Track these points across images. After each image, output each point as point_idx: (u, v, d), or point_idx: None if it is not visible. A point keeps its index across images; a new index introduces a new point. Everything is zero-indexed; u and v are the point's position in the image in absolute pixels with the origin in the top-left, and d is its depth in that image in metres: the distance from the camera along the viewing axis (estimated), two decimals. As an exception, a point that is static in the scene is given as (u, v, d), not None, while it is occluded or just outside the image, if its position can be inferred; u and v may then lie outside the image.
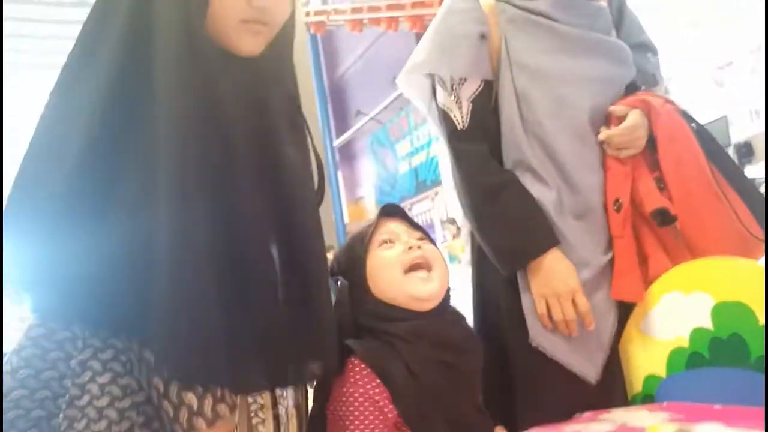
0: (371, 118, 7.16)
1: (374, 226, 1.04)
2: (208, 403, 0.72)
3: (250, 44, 0.86)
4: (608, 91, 1.33)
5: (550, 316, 1.21)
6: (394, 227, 1.05)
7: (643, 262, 1.25)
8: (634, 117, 1.27)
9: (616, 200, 1.26)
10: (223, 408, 0.74)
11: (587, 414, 1.12)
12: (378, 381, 0.90)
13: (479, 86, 1.33)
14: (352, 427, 0.88)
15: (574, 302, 1.20)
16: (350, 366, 0.92)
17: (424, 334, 0.95)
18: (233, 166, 0.83)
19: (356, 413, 0.88)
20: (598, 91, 1.31)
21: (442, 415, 0.90)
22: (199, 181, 0.77)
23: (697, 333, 1.10)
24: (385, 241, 1.02)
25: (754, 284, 1.03)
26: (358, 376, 0.90)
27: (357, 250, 1.02)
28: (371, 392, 0.89)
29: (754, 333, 1.02)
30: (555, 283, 1.20)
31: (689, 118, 1.32)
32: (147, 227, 0.73)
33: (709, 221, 1.21)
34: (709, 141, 1.29)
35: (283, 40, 0.93)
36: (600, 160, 1.30)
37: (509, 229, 1.27)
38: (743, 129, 3.42)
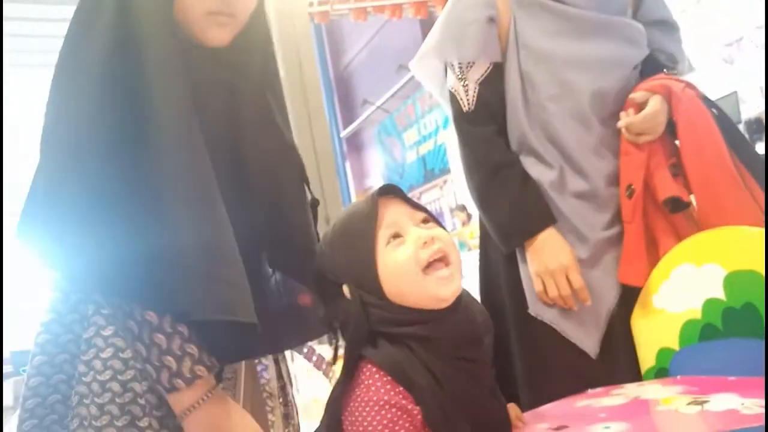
0: (378, 108, 7.13)
1: (374, 219, 0.89)
2: (187, 365, 0.77)
3: (216, 36, 0.87)
4: (615, 73, 1.32)
5: (547, 294, 1.26)
6: (396, 215, 0.89)
7: (654, 246, 1.26)
8: (655, 103, 1.27)
9: (629, 186, 1.27)
10: (201, 369, 0.79)
11: (599, 389, 1.11)
12: (400, 387, 0.82)
13: (488, 69, 1.36)
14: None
15: (568, 279, 1.24)
16: (368, 374, 0.84)
17: (444, 334, 0.87)
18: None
19: (385, 421, 0.80)
20: (604, 74, 1.32)
21: (463, 414, 0.86)
22: (186, 167, 0.81)
23: (710, 304, 1.09)
24: (393, 236, 0.88)
25: (765, 252, 1.02)
26: (379, 383, 0.82)
27: (360, 251, 0.87)
28: (396, 397, 0.81)
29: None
30: (548, 260, 1.25)
31: (710, 104, 1.31)
32: (145, 213, 0.78)
33: (729, 208, 1.20)
34: (729, 127, 1.29)
35: (252, 31, 0.93)
36: (605, 144, 1.31)
37: (507, 208, 1.31)
38: (754, 105, 3.38)
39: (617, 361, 1.24)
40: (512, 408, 0.98)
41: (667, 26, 1.44)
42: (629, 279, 1.25)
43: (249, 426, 0.84)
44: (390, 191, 0.91)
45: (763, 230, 1.06)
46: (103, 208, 0.77)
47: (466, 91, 1.37)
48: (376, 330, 0.85)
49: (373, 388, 0.82)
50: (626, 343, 1.24)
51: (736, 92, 3.26)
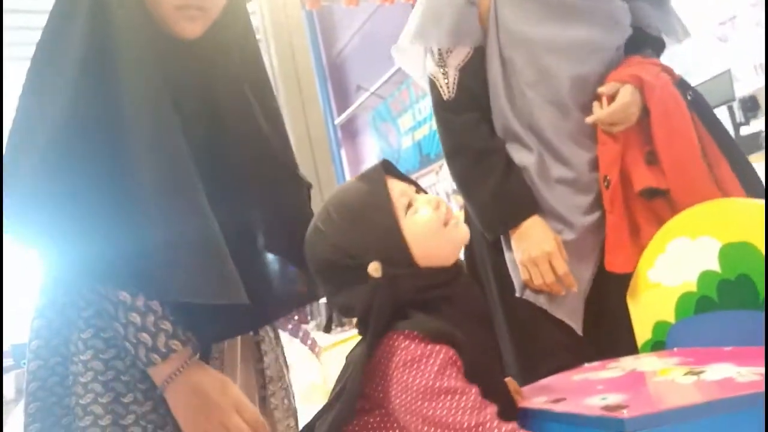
0: (372, 93, 7.10)
1: (388, 192, 0.90)
2: (161, 340, 0.82)
3: (187, 29, 0.89)
4: (595, 58, 1.31)
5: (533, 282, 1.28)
6: (400, 187, 0.92)
7: (637, 232, 1.28)
8: (625, 94, 1.26)
9: (605, 177, 1.28)
10: (175, 343, 0.84)
11: (596, 363, 1.12)
12: (440, 344, 0.81)
13: (468, 54, 1.34)
14: (439, 381, 0.78)
15: (552, 265, 1.25)
16: (401, 338, 0.82)
17: (462, 291, 0.91)
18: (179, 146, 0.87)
19: (436, 368, 0.79)
20: (584, 59, 1.30)
21: (487, 370, 0.86)
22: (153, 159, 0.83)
23: (705, 276, 1.09)
24: (408, 205, 0.90)
25: (759, 223, 1.02)
26: (415, 343, 0.81)
27: (384, 222, 0.87)
28: (443, 349, 0.81)
29: (762, 272, 1.01)
30: (531, 248, 1.26)
31: (685, 88, 1.30)
32: (126, 203, 0.81)
33: (701, 196, 1.20)
34: (705, 111, 1.29)
35: (227, 24, 0.94)
36: (585, 129, 1.31)
37: (490, 197, 1.32)
38: (748, 83, 3.38)
39: (610, 337, 1.26)
40: (510, 382, 0.99)
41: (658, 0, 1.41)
42: (615, 267, 1.27)
43: (228, 388, 0.86)
44: (390, 168, 0.94)
45: (756, 201, 1.07)
46: (83, 202, 0.80)
47: (446, 77, 1.34)
48: (403, 303, 0.85)
49: (412, 346, 0.81)
50: (619, 319, 1.25)
51: (729, 70, 3.26)
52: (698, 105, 1.29)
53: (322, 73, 10.03)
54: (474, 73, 1.33)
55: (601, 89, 1.29)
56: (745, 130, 3.06)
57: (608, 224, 1.28)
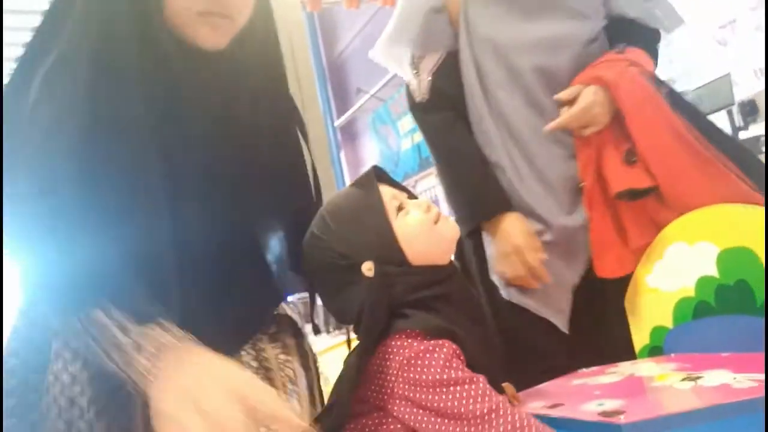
0: (372, 96, 7.10)
1: (380, 195, 0.92)
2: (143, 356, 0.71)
3: (209, 38, 0.82)
4: (563, 53, 1.30)
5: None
6: (391, 191, 0.94)
7: (624, 235, 1.26)
8: (585, 97, 1.24)
9: (580, 183, 1.28)
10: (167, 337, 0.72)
11: (594, 368, 1.12)
12: (440, 339, 0.82)
13: (440, 57, 1.36)
14: (447, 373, 0.78)
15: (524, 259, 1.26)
16: (403, 337, 0.83)
17: (457, 288, 0.92)
18: (194, 165, 0.83)
19: (441, 361, 0.79)
20: (551, 55, 1.30)
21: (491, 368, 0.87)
22: (158, 181, 0.78)
23: (703, 281, 1.10)
24: (398, 208, 0.92)
25: (757, 229, 1.03)
26: (417, 340, 0.82)
27: (377, 223, 0.90)
28: (446, 342, 0.81)
29: (759, 277, 1.01)
30: (501, 243, 1.28)
31: (659, 83, 1.26)
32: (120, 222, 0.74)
33: (695, 181, 1.18)
34: (685, 105, 1.25)
35: (252, 35, 0.88)
36: (563, 130, 1.29)
37: (461, 195, 1.36)
38: (747, 87, 3.38)
39: (605, 339, 1.26)
40: (507, 387, 0.99)
41: None
42: (604, 272, 1.26)
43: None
44: (382, 174, 0.97)
45: (755, 207, 1.07)
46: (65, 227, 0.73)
47: (419, 81, 1.37)
48: (401, 304, 0.86)
49: (414, 344, 0.82)
50: (615, 323, 1.25)
51: (729, 74, 3.25)
52: (676, 99, 1.25)
53: (322, 74, 10.03)
54: (447, 75, 1.35)
55: (558, 95, 1.27)
56: (744, 135, 3.06)
57: (591, 228, 1.28)
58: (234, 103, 0.88)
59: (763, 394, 0.78)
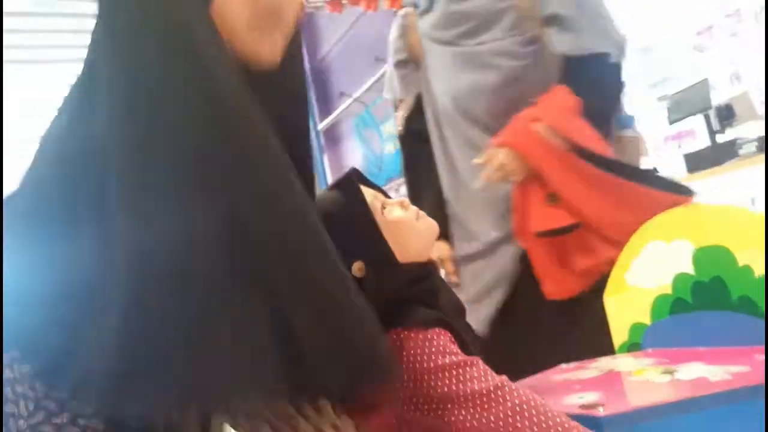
0: (355, 100, 7.12)
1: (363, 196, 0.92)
2: None
3: (268, 53, 0.74)
4: (484, 98, 1.47)
5: None
6: (372, 193, 0.95)
7: (566, 260, 1.37)
8: (497, 159, 1.37)
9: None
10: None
11: (573, 364, 1.14)
12: (435, 328, 0.85)
13: (412, 101, 1.63)
14: (448, 358, 0.80)
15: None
16: (405, 331, 0.84)
17: (442, 285, 0.96)
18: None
19: (442, 342, 0.82)
20: (473, 101, 1.48)
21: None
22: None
23: (680, 279, 1.12)
24: (382, 207, 0.93)
25: (732, 227, 1.06)
26: (423, 332, 0.84)
27: (364, 223, 0.90)
28: (441, 333, 0.84)
29: (734, 274, 1.04)
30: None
31: (558, 136, 1.34)
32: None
33: (621, 207, 1.29)
34: (588, 153, 1.33)
35: (295, 45, 0.81)
36: None
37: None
38: (724, 92, 3.44)
39: (584, 339, 1.30)
40: None
41: (559, 21, 1.39)
42: (554, 294, 1.37)
43: None
44: (361, 177, 0.99)
45: (729, 206, 1.10)
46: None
47: (395, 118, 1.68)
48: (395, 302, 0.87)
49: (411, 335, 0.84)
50: (594, 322, 1.28)
51: (707, 79, 3.31)
52: (577, 151, 1.33)
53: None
54: (418, 115, 1.62)
55: (474, 160, 1.42)
56: (720, 138, 3.12)
57: (531, 258, 1.40)
58: (278, 125, 0.73)
59: (737, 386, 0.80)
